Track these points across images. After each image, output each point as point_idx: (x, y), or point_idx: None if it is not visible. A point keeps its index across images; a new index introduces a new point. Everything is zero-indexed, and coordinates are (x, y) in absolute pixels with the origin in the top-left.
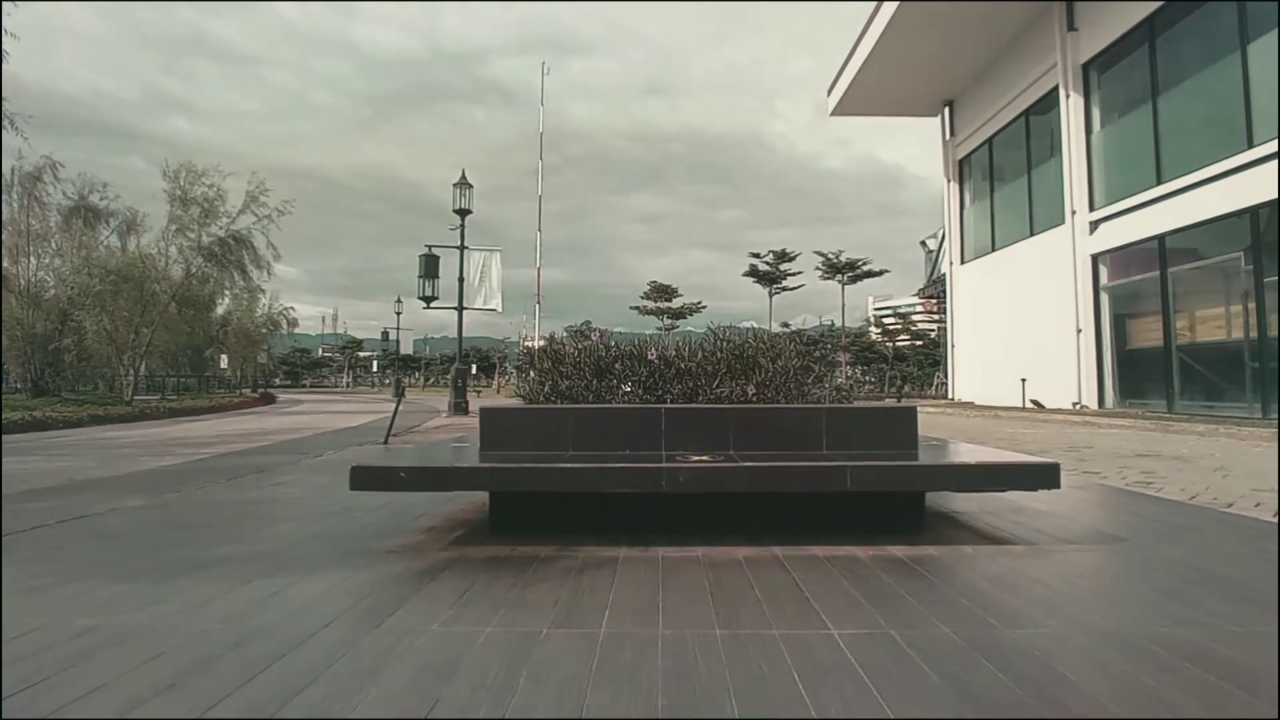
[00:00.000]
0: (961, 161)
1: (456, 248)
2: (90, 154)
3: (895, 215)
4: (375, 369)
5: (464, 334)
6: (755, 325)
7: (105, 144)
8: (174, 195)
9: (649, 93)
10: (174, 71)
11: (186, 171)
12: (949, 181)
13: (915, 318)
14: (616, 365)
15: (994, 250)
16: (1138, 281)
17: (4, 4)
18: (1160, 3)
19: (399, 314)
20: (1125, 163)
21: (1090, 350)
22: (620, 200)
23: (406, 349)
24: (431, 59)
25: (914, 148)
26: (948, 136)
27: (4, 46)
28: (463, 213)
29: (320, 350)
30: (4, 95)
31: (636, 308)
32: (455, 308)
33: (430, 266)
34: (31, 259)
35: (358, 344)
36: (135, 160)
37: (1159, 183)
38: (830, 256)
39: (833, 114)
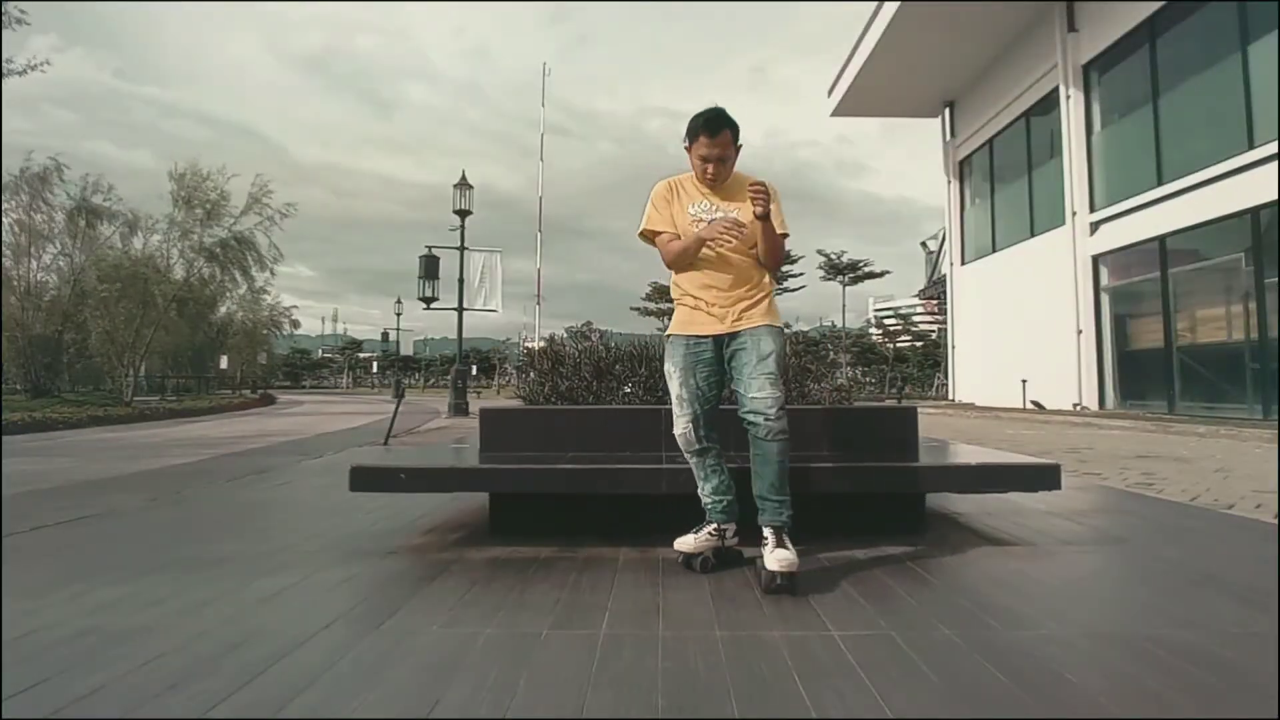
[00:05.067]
0: (962, 162)
1: (458, 248)
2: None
3: (896, 215)
4: (375, 370)
5: (464, 334)
6: None
7: None
8: (178, 197)
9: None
10: None
11: (192, 173)
12: (950, 182)
13: (916, 318)
14: (616, 366)
15: (995, 251)
16: (1138, 282)
17: (4, 3)
18: (1161, 3)
19: (399, 314)
20: (1126, 164)
21: (1091, 351)
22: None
23: (406, 350)
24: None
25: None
26: (948, 137)
27: (4, 44)
28: (463, 213)
29: (320, 351)
30: (3, 95)
31: (637, 309)
32: (455, 308)
33: (430, 267)
34: (34, 260)
35: (358, 345)
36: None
37: (1159, 184)
38: (832, 257)
39: (833, 114)
